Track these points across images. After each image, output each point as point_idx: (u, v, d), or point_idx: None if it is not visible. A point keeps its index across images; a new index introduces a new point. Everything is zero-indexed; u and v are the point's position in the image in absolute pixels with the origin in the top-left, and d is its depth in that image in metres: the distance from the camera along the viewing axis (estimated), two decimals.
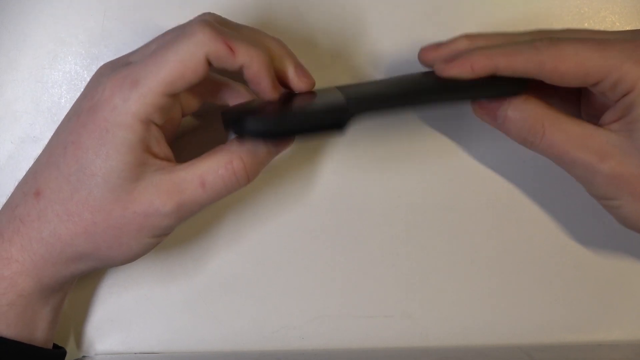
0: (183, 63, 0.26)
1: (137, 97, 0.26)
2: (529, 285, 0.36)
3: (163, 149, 0.28)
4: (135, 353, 0.36)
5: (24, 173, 0.34)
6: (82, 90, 0.29)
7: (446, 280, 0.36)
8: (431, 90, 0.29)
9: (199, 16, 0.28)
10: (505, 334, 0.36)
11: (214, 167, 0.28)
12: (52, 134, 0.30)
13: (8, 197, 0.30)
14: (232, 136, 0.31)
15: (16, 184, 0.30)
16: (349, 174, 0.36)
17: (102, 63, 0.34)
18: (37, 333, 0.30)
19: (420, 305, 0.36)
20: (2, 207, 0.30)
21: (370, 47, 0.35)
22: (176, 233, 0.35)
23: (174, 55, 0.26)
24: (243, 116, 0.28)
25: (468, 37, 0.31)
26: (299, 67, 0.30)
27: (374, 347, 0.36)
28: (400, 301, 0.36)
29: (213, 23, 0.27)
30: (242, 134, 0.28)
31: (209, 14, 0.29)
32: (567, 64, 0.28)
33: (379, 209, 0.36)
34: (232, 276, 0.36)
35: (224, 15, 0.29)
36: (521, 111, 0.29)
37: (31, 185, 0.28)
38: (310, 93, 0.30)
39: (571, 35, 0.30)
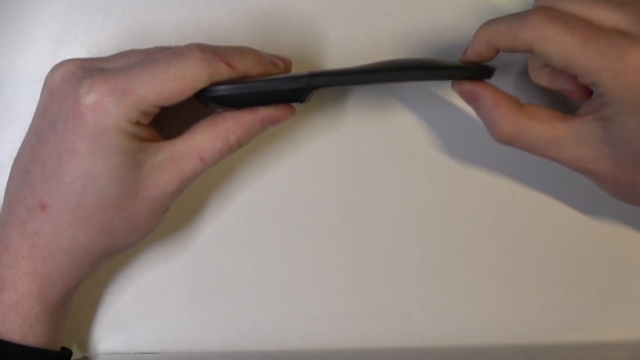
0: (183, 81, 0.27)
1: (129, 103, 0.27)
2: (529, 285, 0.36)
3: (151, 131, 0.29)
4: (135, 353, 0.36)
5: None
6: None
7: (446, 280, 0.36)
8: (393, 69, 0.30)
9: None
10: (505, 334, 0.36)
11: (212, 143, 0.29)
12: (27, 136, 0.30)
13: (2, 214, 0.30)
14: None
15: None
16: (349, 174, 0.36)
17: None
18: (60, 336, 0.31)
19: (420, 305, 0.36)
20: (5, 225, 0.29)
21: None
22: (177, 233, 0.35)
23: (176, 72, 0.27)
24: (206, 88, 0.29)
25: None
26: (275, 57, 0.32)
27: (374, 347, 0.36)
28: (400, 301, 0.36)
29: (205, 45, 0.28)
30: (205, 100, 0.29)
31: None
32: (551, 55, 0.28)
33: (379, 209, 0.36)
34: (232, 276, 0.36)
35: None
36: (487, 116, 0.30)
37: (33, 200, 0.28)
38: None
39: None
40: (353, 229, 0.36)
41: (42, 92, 0.30)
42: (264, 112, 0.30)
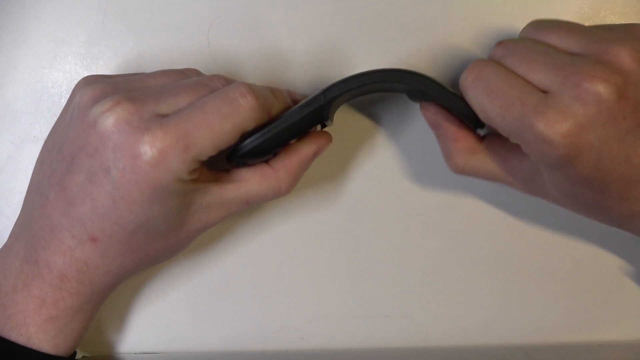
0: (239, 132, 0.28)
1: (190, 160, 0.27)
2: (529, 285, 0.36)
3: (204, 173, 0.30)
4: (135, 353, 0.36)
5: (24, 173, 0.34)
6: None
7: (446, 280, 0.36)
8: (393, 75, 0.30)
9: (236, 83, 0.29)
10: (505, 334, 0.36)
11: (263, 192, 0.30)
12: (63, 162, 0.28)
13: (41, 235, 0.29)
14: None
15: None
16: (349, 174, 0.36)
17: (101, 63, 0.35)
18: (80, 341, 0.32)
19: (420, 305, 0.36)
20: (47, 248, 0.29)
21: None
22: None
23: (233, 126, 0.27)
24: (235, 148, 0.29)
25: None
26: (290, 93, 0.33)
27: (374, 347, 0.36)
28: (400, 301, 0.36)
29: (252, 89, 0.28)
30: (236, 161, 0.30)
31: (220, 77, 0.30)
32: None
33: (378, 209, 0.36)
34: (233, 276, 0.36)
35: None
36: (445, 146, 0.32)
37: (82, 232, 0.28)
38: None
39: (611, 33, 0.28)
40: (353, 230, 0.36)
41: (88, 129, 0.27)
42: (308, 151, 0.31)
